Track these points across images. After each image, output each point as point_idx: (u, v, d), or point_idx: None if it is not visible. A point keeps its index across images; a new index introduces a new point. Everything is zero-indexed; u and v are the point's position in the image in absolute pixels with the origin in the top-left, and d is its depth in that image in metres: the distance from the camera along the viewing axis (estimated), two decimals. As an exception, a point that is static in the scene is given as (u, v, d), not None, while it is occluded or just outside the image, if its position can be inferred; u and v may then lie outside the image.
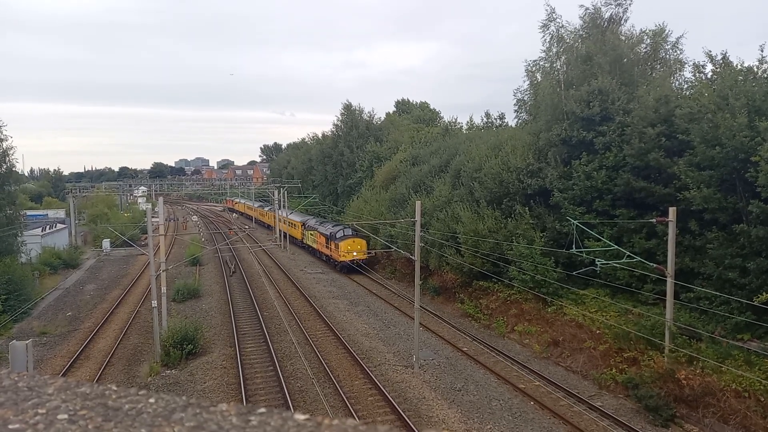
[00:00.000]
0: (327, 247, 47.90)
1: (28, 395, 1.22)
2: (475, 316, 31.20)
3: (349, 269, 44.16)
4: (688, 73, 31.10)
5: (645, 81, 29.75)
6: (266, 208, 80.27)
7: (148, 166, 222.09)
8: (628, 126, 27.16)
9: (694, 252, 23.30)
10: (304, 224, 56.93)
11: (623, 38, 32.62)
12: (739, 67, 24.10)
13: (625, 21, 33.49)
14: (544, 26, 34.05)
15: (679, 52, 32.40)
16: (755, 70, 23.35)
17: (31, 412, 1.14)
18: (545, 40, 34.42)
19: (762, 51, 22.91)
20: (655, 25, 32.51)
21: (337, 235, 45.69)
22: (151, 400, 1.18)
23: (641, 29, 32.94)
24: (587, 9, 33.47)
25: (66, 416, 1.11)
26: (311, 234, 53.22)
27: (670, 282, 20.31)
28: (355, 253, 43.99)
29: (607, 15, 33.36)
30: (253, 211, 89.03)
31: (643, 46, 32.83)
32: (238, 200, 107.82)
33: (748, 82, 22.73)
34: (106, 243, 59.17)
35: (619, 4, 32.89)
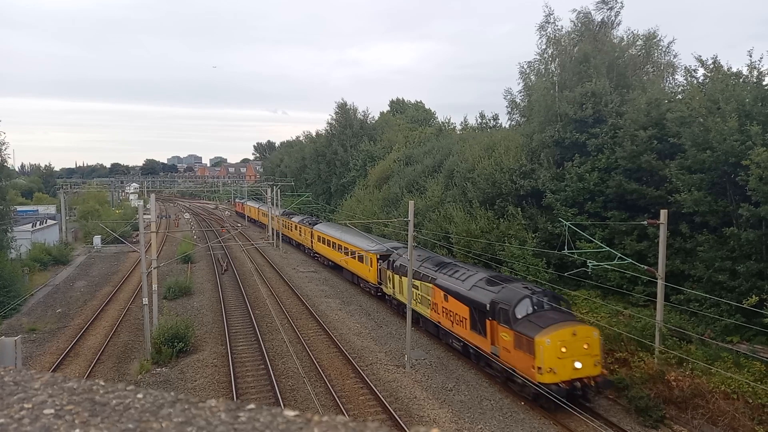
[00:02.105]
0: (482, 331, 21.51)
1: (14, 390, 1.21)
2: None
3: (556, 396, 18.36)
4: (680, 77, 31.39)
5: (638, 83, 29.96)
6: (295, 218, 56.51)
7: (140, 162, 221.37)
8: (621, 128, 27.33)
9: (684, 254, 23.46)
10: (387, 260, 31.14)
11: (615, 41, 32.89)
12: (728, 71, 24.30)
13: (617, 25, 33.78)
14: (541, 27, 34.25)
15: (672, 56, 32.71)
16: (745, 74, 23.55)
17: (17, 406, 1.12)
18: (541, 41, 34.65)
19: (751, 56, 23.13)
20: (647, 30, 32.84)
21: (521, 312, 19.91)
22: (139, 396, 1.17)
23: (633, 32, 33.26)
24: (579, 12, 33.73)
25: (52, 411, 1.10)
26: (423, 291, 26.37)
27: (660, 284, 20.43)
28: (578, 365, 18.74)
29: (598, 19, 33.63)
30: (276, 221, 64.11)
31: (635, 49, 33.10)
32: (250, 204, 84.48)
33: (738, 86, 22.91)
34: (96, 239, 58.79)
35: (610, 8, 33.18)
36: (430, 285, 25.67)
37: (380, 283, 32.67)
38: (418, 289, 26.75)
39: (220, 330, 29.32)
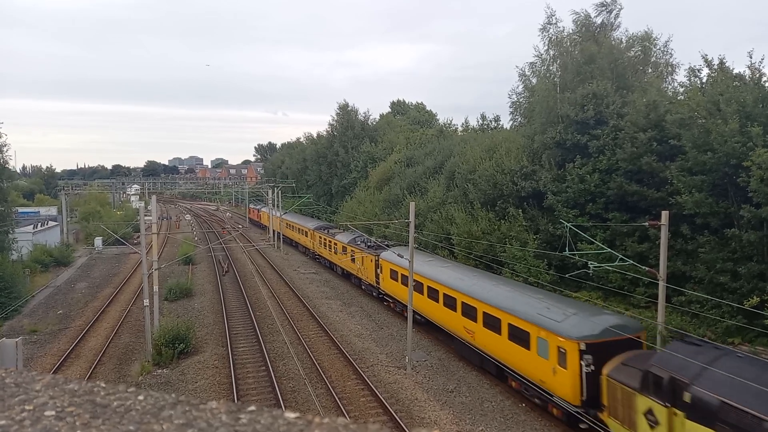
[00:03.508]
0: None
1: (15, 392, 1.21)
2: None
3: None
4: (681, 77, 31.42)
5: (639, 85, 29.98)
6: (341, 237, 40.93)
7: (141, 164, 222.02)
8: (622, 130, 27.33)
9: (685, 256, 23.43)
10: (652, 377, 13.96)
11: (614, 42, 32.96)
12: (731, 72, 24.28)
13: (617, 27, 33.84)
14: (544, 29, 34.28)
15: (669, 56, 32.77)
16: (746, 75, 23.53)
17: (18, 408, 1.12)
18: (544, 42, 34.68)
19: (751, 57, 23.11)
20: (644, 31, 32.93)
21: None
22: (140, 398, 1.17)
23: (632, 33, 33.36)
24: (579, 15, 33.79)
25: (53, 413, 1.10)
26: None
27: (661, 285, 20.39)
28: None
29: (598, 21, 33.69)
30: (309, 237, 49.53)
31: (634, 50, 33.16)
32: (264, 209, 69.59)
33: (739, 88, 22.89)
34: (98, 241, 58.86)
35: (609, 11, 33.25)
36: None
37: (587, 404, 16.76)
38: None
39: (221, 331, 29.32)
